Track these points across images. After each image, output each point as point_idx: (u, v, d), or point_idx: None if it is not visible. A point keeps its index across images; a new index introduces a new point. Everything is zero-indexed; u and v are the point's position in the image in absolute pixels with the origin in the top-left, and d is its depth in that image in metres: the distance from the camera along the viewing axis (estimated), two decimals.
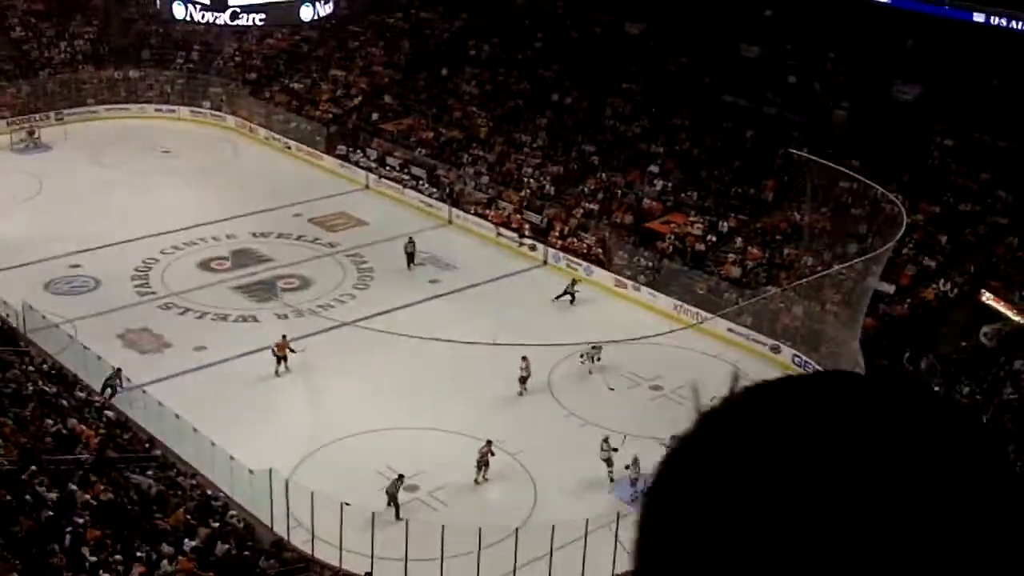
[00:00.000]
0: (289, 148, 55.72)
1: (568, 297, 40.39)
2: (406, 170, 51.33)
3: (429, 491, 28.30)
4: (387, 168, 51.89)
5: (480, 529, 25.08)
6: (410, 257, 43.01)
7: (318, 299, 40.21)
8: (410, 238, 43.55)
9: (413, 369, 34.91)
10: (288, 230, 46.09)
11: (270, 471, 26.82)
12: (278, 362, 34.66)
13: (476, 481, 29.67)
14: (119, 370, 33.18)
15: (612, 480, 30.02)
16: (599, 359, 35.51)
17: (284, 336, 35.17)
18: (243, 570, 24.79)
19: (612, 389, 34.52)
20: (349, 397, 33.44)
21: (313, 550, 26.92)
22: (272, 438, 30.42)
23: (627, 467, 29.30)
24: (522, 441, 30.99)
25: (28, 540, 22.32)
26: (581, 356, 35.38)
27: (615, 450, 29.80)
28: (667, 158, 47.67)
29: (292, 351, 34.64)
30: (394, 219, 47.44)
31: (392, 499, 28.13)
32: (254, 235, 45.30)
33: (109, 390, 33.02)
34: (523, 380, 33.80)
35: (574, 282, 40.93)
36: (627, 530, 23.51)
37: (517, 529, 25.62)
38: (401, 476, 28.25)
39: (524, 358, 33.98)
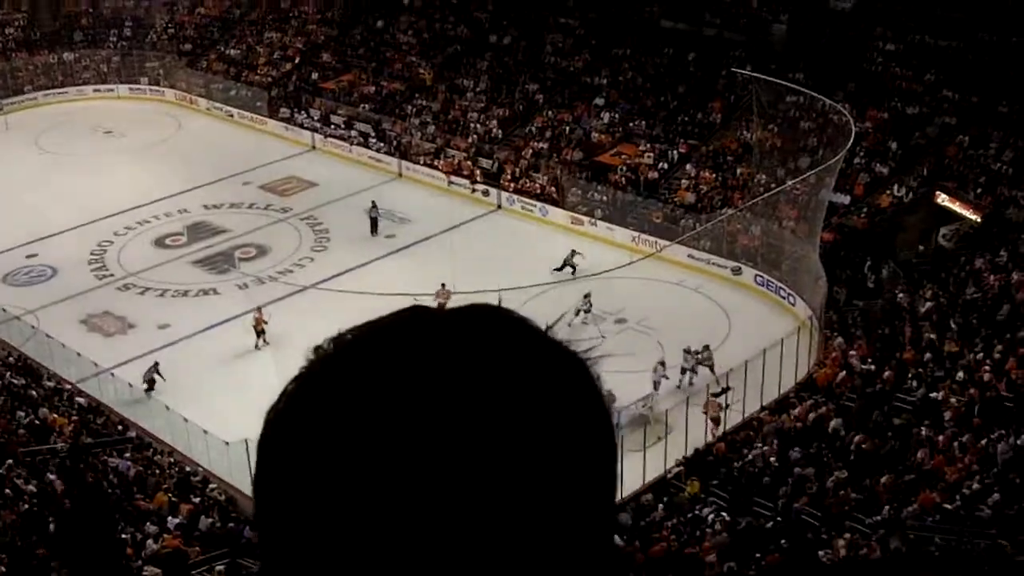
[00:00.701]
0: (232, 116, 55.26)
1: (569, 268, 37.91)
2: (351, 127, 51.04)
3: None
4: (332, 127, 51.55)
5: None
6: (374, 223, 42.11)
7: (277, 265, 40.02)
8: (373, 203, 42.70)
9: None
10: (240, 199, 45.79)
11: (246, 441, 26.68)
12: (257, 336, 34.09)
13: None
14: (156, 364, 32.30)
15: None
16: (590, 308, 34.94)
17: (259, 308, 34.53)
18: (229, 541, 24.87)
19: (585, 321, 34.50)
20: None
21: None
22: (244, 408, 29.96)
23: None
24: None
25: (11, 533, 22.27)
26: (576, 312, 34.26)
27: None
28: (611, 89, 47.55)
29: (265, 322, 34.00)
30: (344, 178, 47.24)
31: None
32: (206, 207, 44.98)
33: (149, 383, 32.09)
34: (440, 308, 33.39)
35: (574, 253, 38.24)
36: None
37: None
38: None
39: (443, 285, 33.80)
